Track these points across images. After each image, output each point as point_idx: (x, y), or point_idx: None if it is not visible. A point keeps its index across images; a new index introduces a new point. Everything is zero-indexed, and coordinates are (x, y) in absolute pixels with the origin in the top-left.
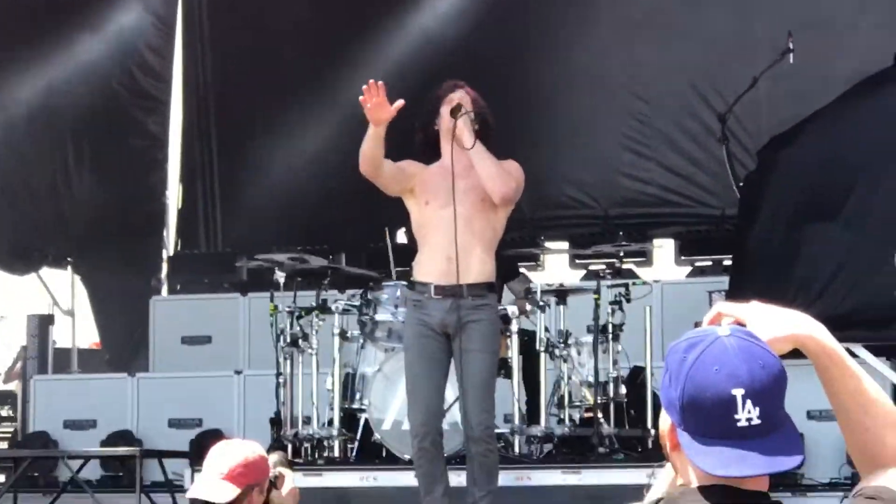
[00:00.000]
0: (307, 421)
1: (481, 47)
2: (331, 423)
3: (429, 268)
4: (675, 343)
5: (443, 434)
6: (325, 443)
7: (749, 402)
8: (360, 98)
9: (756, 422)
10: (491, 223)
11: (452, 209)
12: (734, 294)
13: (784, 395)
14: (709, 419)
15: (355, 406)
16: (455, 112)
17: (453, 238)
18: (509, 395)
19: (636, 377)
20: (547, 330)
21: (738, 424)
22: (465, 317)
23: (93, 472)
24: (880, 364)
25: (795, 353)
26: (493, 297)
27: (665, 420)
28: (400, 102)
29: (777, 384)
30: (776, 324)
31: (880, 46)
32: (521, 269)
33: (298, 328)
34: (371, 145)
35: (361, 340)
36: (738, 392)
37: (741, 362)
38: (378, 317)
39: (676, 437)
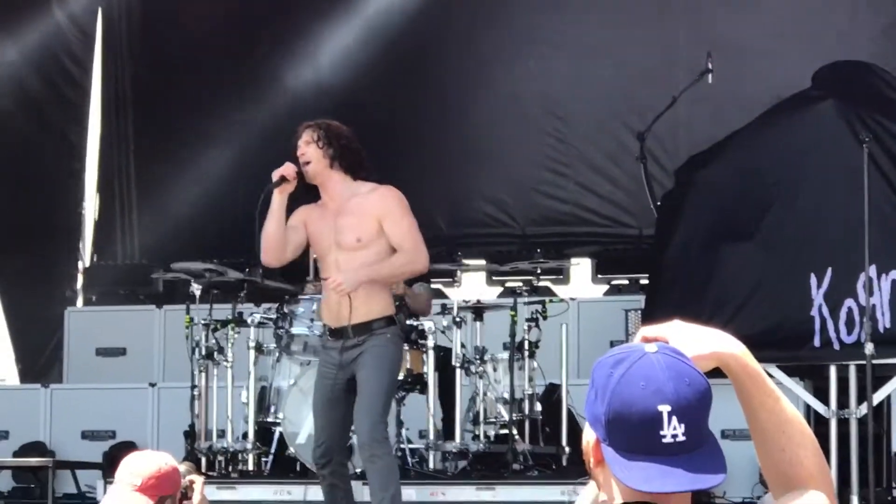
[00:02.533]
0: (221, 434)
1: (399, 65)
2: (245, 436)
3: (325, 311)
4: (601, 358)
5: (343, 462)
6: (240, 456)
7: (675, 418)
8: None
9: (681, 438)
10: (373, 259)
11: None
12: (650, 313)
13: (709, 413)
14: (634, 435)
15: (270, 420)
16: (278, 184)
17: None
18: (424, 410)
19: (552, 394)
20: (463, 346)
21: (664, 441)
22: (353, 354)
23: (5, 483)
24: (794, 384)
25: (711, 372)
26: (383, 327)
27: (589, 435)
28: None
29: (702, 402)
30: (699, 342)
31: (798, 69)
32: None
33: (214, 341)
34: (276, 225)
35: (277, 354)
36: (665, 408)
37: (668, 379)
38: (294, 330)
39: (601, 452)
